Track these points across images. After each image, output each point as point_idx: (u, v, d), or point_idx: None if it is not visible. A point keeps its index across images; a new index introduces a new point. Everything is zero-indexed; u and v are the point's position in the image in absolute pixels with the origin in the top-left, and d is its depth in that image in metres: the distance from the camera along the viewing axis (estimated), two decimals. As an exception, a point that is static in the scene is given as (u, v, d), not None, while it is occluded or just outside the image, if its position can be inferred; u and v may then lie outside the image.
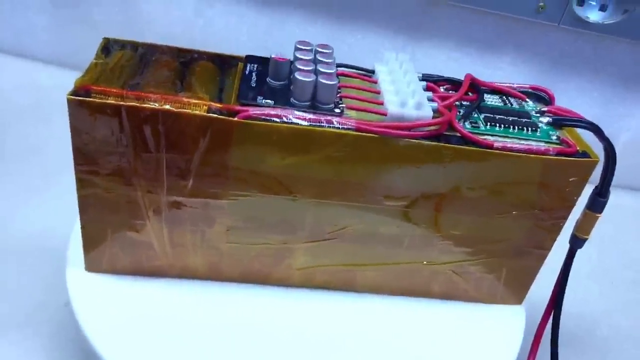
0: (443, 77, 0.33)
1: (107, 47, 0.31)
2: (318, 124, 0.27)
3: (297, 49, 0.31)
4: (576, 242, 0.34)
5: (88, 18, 0.56)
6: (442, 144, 0.28)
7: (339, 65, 0.33)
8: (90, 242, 0.31)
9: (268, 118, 0.27)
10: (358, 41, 0.54)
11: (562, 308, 0.35)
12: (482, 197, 0.30)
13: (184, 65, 0.31)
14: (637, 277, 0.55)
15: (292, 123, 0.27)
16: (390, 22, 0.54)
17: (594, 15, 0.50)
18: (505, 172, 0.29)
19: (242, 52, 0.33)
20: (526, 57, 0.56)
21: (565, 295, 0.35)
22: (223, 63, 0.32)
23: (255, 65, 0.31)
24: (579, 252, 0.34)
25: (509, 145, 0.28)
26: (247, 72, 0.30)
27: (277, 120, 0.27)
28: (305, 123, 0.27)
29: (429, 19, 0.54)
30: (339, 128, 0.27)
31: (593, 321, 0.49)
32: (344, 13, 0.54)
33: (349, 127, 0.27)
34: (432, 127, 0.28)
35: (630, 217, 0.60)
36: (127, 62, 0.30)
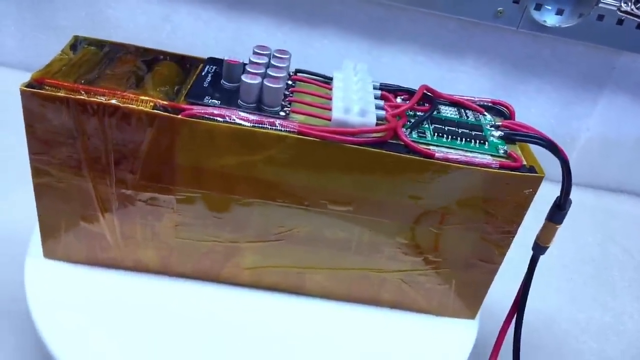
0: (402, 87, 0.33)
1: (76, 44, 0.32)
2: (260, 125, 0.28)
3: (254, 53, 0.31)
4: (538, 249, 0.34)
5: (54, 24, 0.58)
6: (384, 151, 0.28)
7: (300, 72, 0.34)
8: (47, 230, 0.32)
9: (211, 117, 0.28)
10: (325, 46, 0.55)
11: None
12: (426, 207, 0.30)
13: (146, 64, 0.32)
14: (594, 272, 0.56)
15: (234, 123, 0.28)
16: (356, 26, 0.55)
17: (550, 19, 0.52)
18: (448, 183, 0.29)
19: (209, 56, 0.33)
20: (488, 59, 0.58)
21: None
22: (186, 64, 0.33)
23: (214, 67, 0.32)
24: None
25: (450, 157, 0.28)
26: (203, 74, 0.31)
27: (220, 119, 0.28)
28: (248, 124, 0.28)
29: (394, 23, 0.55)
30: (281, 130, 0.28)
31: (552, 316, 0.50)
32: (311, 18, 0.55)
33: (291, 129, 0.28)
34: (376, 135, 0.29)
35: (589, 214, 0.62)
36: (90, 58, 0.31)
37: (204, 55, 0.33)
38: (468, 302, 0.35)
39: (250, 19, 0.56)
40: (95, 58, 0.31)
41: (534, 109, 0.61)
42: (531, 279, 0.35)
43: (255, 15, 0.56)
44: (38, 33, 0.60)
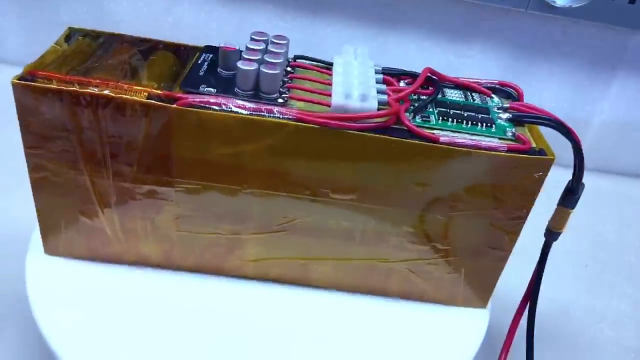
0: (405, 70, 0.32)
1: (70, 36, 0.32)
2: (258, 113, 0.27)
3: (250, 40, 0.31)
4: (551, 235, 0.33)
5: (56, 19, 0.58)
6: (386, 137, 0.27)
7: (299, 57, 0.33)
8: (47, 226, 0.32)
9: (207, 106, 0.27)
10: (329, 33, 0.54)
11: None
12: (432, 194, 0.29)
13: (142, 54, 0.31)
14: (610, 259, 0.55)
15: (231, 111, 0.27)
16: (361, 13, 0.54)
17: (560, 0, 0.50)
18: (454, 167, 0.28)
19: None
20: (496, 43, 0.56)
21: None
22: (183, 53, 0.32)
23: (210, 55, 0.31)
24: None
25: (456, 140, 0.27)
26: (199, 62, 0.30)
27: (217, 108, 0.27)
28: (245, 112, 0.27)
29: (399, 9, 0.54)
30: (279, 118, 0.27)
31: (567, 304, 0.49)
32: (314, 6, 0.54)
33: (290, 117, 0.27)
34: (378, 120, 0.28)
35: (604, 199, 0.60)
36: (84, 49, 0.30)
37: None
38: (478, 290, 0.34)
39: (253, 9, 0.56)
40: (89, 49, 0.30)
41: (545, 92, 0.60)
42: (544, 265, 0.34)
43: (257, 4, 0.55)
44: (41, 30, 0.60)
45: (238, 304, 0.33)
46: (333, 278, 0.33)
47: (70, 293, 0.31)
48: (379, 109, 0.27)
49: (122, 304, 0.31)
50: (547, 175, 0.29)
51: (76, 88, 0.26)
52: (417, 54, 0.57)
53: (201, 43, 0.33)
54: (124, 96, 0.26)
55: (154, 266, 0.33)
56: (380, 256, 0.32)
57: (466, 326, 0.34)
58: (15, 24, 0.59)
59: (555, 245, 0.33)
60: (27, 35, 0.60)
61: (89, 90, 0.26)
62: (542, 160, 0.28)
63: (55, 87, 0.26)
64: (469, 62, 0.57)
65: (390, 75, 0.32)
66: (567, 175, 0.30)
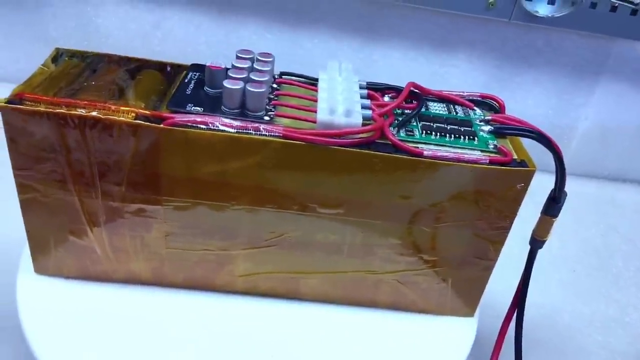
0: (389, 85, 0.33)
1: (57, 56, 0.32)
2: (244, 131, 0.27)
3: (237, 57, 0.31)
4: (536, 243, 0.34)
5: (45, 35, 0.58)
6: (371, 152, 0.28)
7: (285, 74, 0.33)
8: (37, 245, 0.32)
9: (194, 125, 0.27)
10: (315, 45, 0.55)
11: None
12: (417, 206, 0.30)
13: (129, 73, 0.31)
14: (597, 263, 0.56)
15: (218, 130, 0.27)
16: (347, 25, 0.55)
17: (543, 9, 0.52)
18: (438, 181, 0.29)
19: (200, 62, 0.33)
20: (480, 53, 0.57)
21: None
22: (170, 71, 0.32)
23: (197, 74, 0.31)
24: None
25: (439, 154, 0.28)
26: (186, 80, 0.31)
27: (203, 127, 0.27)
28: (232, 130, 0.27)
29: (384, 20, 0.55)
30: (266, 135, 0.27)
31: (554, 309, 0.50)
32: (300, 18, 0.55)
33: (276, 134, 0.27)
34: (363, 135, 0.28)
35: (590, 205, 0.62)
36: (72, 70, 0.31)
37: (196, 61, 0.33)
38: (466, 299, 0.34)
39: (240, 23, 0.56)
40: (77, 70, 0.31)
41: (530, 100, 0.61)
42: (530, 273, 0.34)
43: (244, 18, 0.56)
44: (30, 45, 0.60)
45: (229, 319, 0.33)
46: (322, 291, 0.34)
47: (61, 312, 0.32)
48: (363, 124, 0.28)
49: (113, 322, 0.31)
50: (529, 185, 0.29)
51: (64, 110, 0.27)
52: (403, 64, 0.58)
53: (191, 57, 0.34)
54: (112, 117, 0.27)
55: (144, 284, 0.33)
56: (369, 268, 0.33)
57: (454, 335, 0.34)
58: (3, 39, 0.59)
59: (542, 251, 0.34)
60: (15, 50, 0.60)
61: (76, 112, 0.27)
62: (523, 172, 0.29)
63: (43, 109, 0.27)
64: (455, 72, 0.58)
65: (374, 90, 0.32)
66: (553, 181, 0.31)
